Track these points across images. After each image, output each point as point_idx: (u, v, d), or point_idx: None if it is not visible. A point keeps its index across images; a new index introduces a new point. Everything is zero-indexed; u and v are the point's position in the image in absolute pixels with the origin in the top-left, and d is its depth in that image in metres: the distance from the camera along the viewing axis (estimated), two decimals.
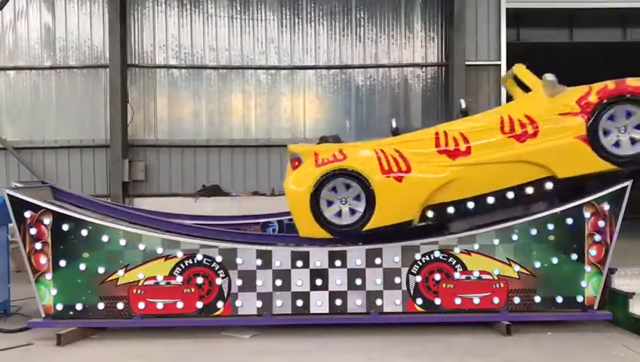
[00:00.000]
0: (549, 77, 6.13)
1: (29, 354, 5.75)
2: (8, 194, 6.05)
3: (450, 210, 6.14)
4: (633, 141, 5.89)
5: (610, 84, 5.99)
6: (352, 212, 6.09)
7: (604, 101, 5.88)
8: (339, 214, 6.10)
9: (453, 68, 11.89)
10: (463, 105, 6.77)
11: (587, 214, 6.15)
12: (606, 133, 5.91)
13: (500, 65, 12.06)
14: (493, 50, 12.14)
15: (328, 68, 12.36)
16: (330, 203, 6.10)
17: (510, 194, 6.11)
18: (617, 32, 12.91)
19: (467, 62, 11.91)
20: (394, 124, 6.80)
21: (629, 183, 6.17)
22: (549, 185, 6.06)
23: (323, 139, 6.90)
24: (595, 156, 5.91)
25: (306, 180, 6.10)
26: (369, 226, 6.06)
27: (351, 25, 12.35)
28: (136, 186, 12.18)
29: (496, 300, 6.15)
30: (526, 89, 6.59)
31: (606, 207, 6.15)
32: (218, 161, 12.32)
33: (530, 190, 6.10)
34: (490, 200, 6.11)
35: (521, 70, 6.65)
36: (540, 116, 6.09)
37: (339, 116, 12.37)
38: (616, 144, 5.90)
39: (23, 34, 12.21)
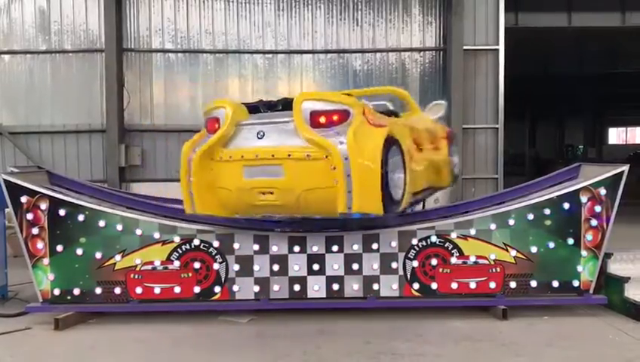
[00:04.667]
0: (444, 103, 7.81)
1: (26, 338, 5.77)
2: (4, 180, 6.04)
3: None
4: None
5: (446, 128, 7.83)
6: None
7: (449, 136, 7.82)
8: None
9: (451, 52, 11.86)
10: (391, 107, 6.83)
11: (584, 199, 6.17)
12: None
13: (498, 49, 12.01)
14: (492, 35, 12.08)
15: (325, 52, 12.29)
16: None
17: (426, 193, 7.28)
18: (616, 16, 12.85)
19: (465, 47, 11.88)
20: (390, 107, 6.80)
21: (625, 168, 6.19)
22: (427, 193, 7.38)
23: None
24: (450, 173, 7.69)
25: (372, 142, 5.00)
26: (404, 203, 5.55)
27: (348, 9, 12.26)
28: (132, 171, 12.15)
29: (492, 285, 6.18)
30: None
31: (603, 191, 6.17)
32: None
33: (427, 193, 7.49)
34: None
35: (404, 94, 7.80)
36: (437, 133, 7.45)
37: None
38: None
39: (17, 17, 12.09)
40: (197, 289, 6.15)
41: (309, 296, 6.20)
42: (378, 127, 5.14)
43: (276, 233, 6.32)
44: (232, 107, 5.48)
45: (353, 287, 6.18)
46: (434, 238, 6.20)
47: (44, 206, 6.05)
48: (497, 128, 12.17)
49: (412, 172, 5.68)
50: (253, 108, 5.68)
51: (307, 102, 5.15)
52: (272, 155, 5.14)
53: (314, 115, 5.08)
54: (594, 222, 6.17)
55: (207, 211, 5.57)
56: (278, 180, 5.15)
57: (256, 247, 6.16)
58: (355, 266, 6.17)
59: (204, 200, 5.51)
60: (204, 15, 12.20)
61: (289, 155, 5.07)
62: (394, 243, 6.18)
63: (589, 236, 6.17)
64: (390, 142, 5.17)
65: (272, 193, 5.24)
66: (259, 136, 5.31)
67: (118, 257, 6.10)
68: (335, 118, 5.07)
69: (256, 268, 6.16)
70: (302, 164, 5.06)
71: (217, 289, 6.17)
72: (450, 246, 6.20)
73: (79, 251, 6.08)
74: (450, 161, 7.60)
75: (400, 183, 5.38)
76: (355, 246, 6.18)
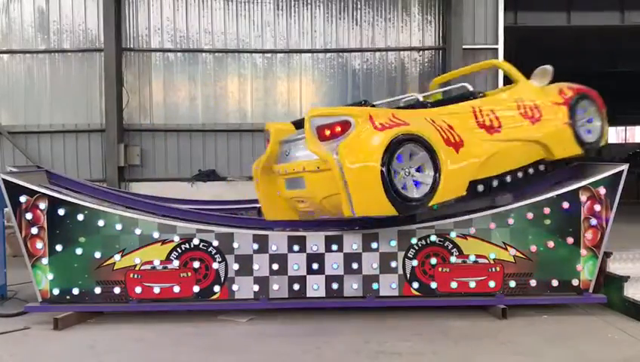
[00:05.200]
0: (550, 68, 6.71)
1: (26, 338, 5.77)
2: (4, 179, 6.03)
3: (495, 183, 6.24)
4: (588, 132, 6.73)
5: (573, 85, 6.89)
6: (417, 184, 5.47)
7: (577, 95, 6.74)
8: (404, 187, 5.36)
9: (451, 51, 11.83)
10: (471, 88, 6.77)
11: (583, 198, 6.18)
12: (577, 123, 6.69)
13: (497, 48, 11.99)
14: (491, 34, 12.07)
15: (325, 51, 12.29)
16: (395, 173, 5.32)
17: (520, 174, 6.50)
18: (615, 15, 12.84)
19: (464, 46, 11.85)
20: (470, 88, 6.71)
21: (624, 167, 6.19)
22: (542, 167, 6.72)
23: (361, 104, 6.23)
24: (575, 141, 6.62)
25: (373, 146, 5.18)
26: (435, 201, 5.52)
27: (348, 8, 12.25)
28: (132, 171, 12.15)
29: (492, 284, 6.18)
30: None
31: (602, 190, 6.17)
32: (214, 146, 12.28)
33: (531, 170, 6.60)
34: (508, 178, 6.37)
35: (505, 65, 7.15)
36: (540, 102, 6.60)
37: (335, 100, 12.29)
38: (588, 132, 6.76)
39: (16, 17, 12.08)
40: (196, 289, 6.15)
41: (308, 296, 6.19)
42: (384, 129, 5.25)
43: (275, 232, 6.32)
44: (274, 129, 6.59)
45: (353, 286, 6.18)
46: (433, 237, 6.20)
47: (43, 205, 6.04)
48: None
49: (458, 162, 5.68)
50: (299, 124, 6.46)
51: (314, 118, 5.47)
52: (294, 170, 5.99)
53: (320, 129, 5.42)
54: (593, 221, 6.17)
55: (272, 217, 6.52)
56: (303, 191, 5.98)
57: (255, 246, 6.16)
58: (355, 265, 6.17)
59: (269, 208, 6.57)
60: (203, 14, 12.19)
61: (304, 169, 5.81)
62: (393, 243, 6.18)
63: (589, 235, 6.17)
64: (401, 142, 5.25)
65: (303, 201, 6.18)
66: (285, 153, 6.26)
67: (117, 257, 6.10)
68: (338, 129, 5.33)
69: (255, 267, 6.15)
70: (315, 175, 5.64)
71: (217, 288, 6.17)
72: (450, 246, 6.20)
73: (78, 251, 6.07)
74: (569, 127, 6.53)
75: (425, 179, 5.47)
76: (355, 246, 6.18)
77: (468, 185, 5.90)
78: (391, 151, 5.20)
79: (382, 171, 5.15)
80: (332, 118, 5.38)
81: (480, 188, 6.12)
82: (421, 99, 6.67)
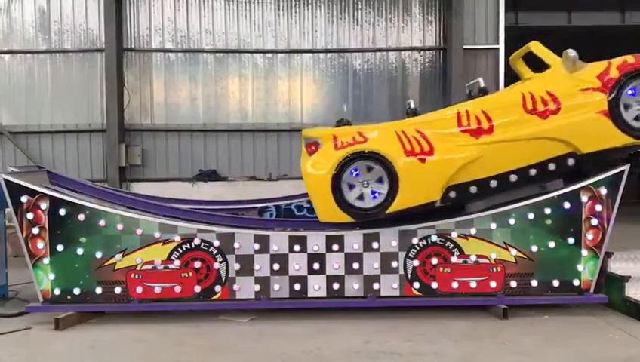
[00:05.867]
0: (571, 52, 6.16)
1: (27, 338, 5.77)
2: (5, 179, 6.03)
3: (473, 189, 6.11)
4: None
5: (630, 59, 6.09)
6: (374, 195, 5.99)
7: (625, 75, 5.97)
8: (361, 197, 5.99)
9: (452, 51, 11.83)
10: (482, 84, 6.60)
11: (584, 198, 6.17)
12: (627, 107, 6.00)
13: (498, 48, 12.00)
14: (492, 34, 12.07)
15: (325, 52, 12.28)
16: (351, 186, 5.99)
17: (533, 172, 6.13)
18: (616, 16, 12.83)
19: (465, 46, 11.85)
20: (412, 105, 6.72)
21: (626, 167, 6.18)
22: (571, 161, 6.13)
23: (341, 122, 6.78)
24: (616, 130, 5.99)
25: (326, 164, 5.97)
26: (392, 209, 5.97)
27: (348, 8, 12.25)
28: (133, 171, 12.15)
29: (493, 284, 6.18)
30: (540, 67, 6.56)
31: (603, 191, 6.16)
32: (215, 146, 12.28)
33: (552, 166, 6.14)
34: (513, 178, 6.12)
35: (538, 47, 6.59)
36: (561, 92, 6.11)
37: (336, 100, 12.32)
38: (637, 118, 6.01)
39: (17, 17, 12.08)
40: (197, 289, 6.15)
41: (309, 296, 6.20)
42: (341, 148, 5.99)
43: (276, 232, 6.32)
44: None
45: (353, 286, 6.18)
46: (434, 237, 6.19)
47: (44, 205, 6.04)
48: None
49: (423, 170, 5.96)
50: None
51: (304, 137, 6.29)
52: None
53: (307, 147, 6.21)
54: (594, 222, 6.17)
55: (325, 219, 6.28)
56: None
57: (256, 246, 6.16)
58: (356, 265, 6.17)
59: (320, 209, 6.28)
60: (204, 14, 12.20)
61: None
62: (394, 243, 6.18)
63: (590, 235, 6.16)
64: (352, 159, 5.96)
65: None
66: None
67: (118, 257, 6.10)
68: (313, 148, 6.16)
69: (256, 267, 6.15)
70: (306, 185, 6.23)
71: (218, 288, 6.17)
72: (451, 246, 6.20)
73: (79, 251, 6.07)
74: (604, 115, 6.02)
75: (382, 190, 5.96)
76: (356, 246, 6.18)
77: (466, 187, 6.07)
78: (341, 167, 5.94)
79: (332, 185, 5.92)
80: (310, 138, 6.19)
81: (472, 189, 6.12)
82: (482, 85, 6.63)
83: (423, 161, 5.97)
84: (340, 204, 5.97)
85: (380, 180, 5.98)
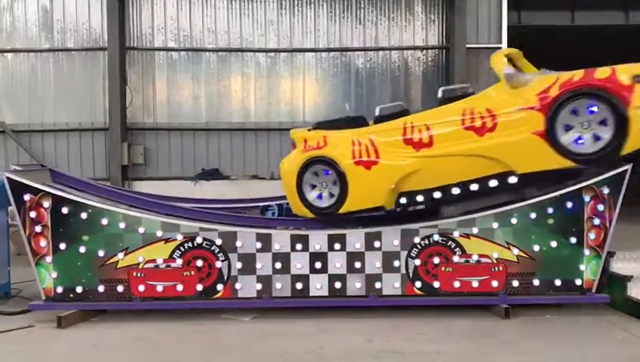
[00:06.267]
0: (505, 71, 5.86)
1: (29, 336, 5.79)
2: (8, 178, 6.05)
3: (420, 198, 6.18)
4: (597, 138, 5.50)
5: (578, 75, 5.58)
6: (331, 196, 6.30)
7: (565, 95, 5.47)
8: (320, 197, 6.34)
9: (454, 51, 11.84)
10: (440, 95, 6.44)
11: (587, 198, 6.15)
12: (569, 128, 5.56)
13: (500, 48, 11.95)
14: (494, 33, 12.06)
15: (328, 50, 12.29)
16: (313, 186, 6.36)
17: (474, 186, 5.98)
18: (619, 15, 12.79)
19: (468, 45, 11.85)
20: (377, 112, 6.75)
21: (628, 167, 6.16)
22: (512, 179, 5.86)
23: (318, 125, 6.84)
24: (553, 152, 5.59)
25: (295, 164, 6.44)
26: (343, 210, 6.24)
27: (351, 7, 12.25)
28: (135, 169, 12.17)
29: (495, 283, 6.17)
30: (539, 66, 6.47)
31: (605, 190, 6.14)
32: (217, 145, 12.30)
33: (494, 183, 5.94)
34: (456, 190, 6.06)
35: (494, 60, 6.17)
36: (500, 110, 5.81)
37: (338, 99, 12.32)
38: (579, 140, 5.54)
39: (20, 16, 12.11)
40: (199, 287, 6.16)
41: (311, 294, 6.20)
42: (306, 151, 6.41)
43: (278, 231, 6.33)
44: None
45: (355, 286, 6.19)
46: (436, 237, 6.19)
47: (47, 204, 6.06)
48: None
49: (369, 178, 6.18)
50: None
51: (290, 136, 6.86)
52: None
53: (291, 145, 6.79)
54: (597, 221, 6.15)
55: (295, 212, 6.69)
56: None
57: (258, 245, 6.17)
58: (358, 264, 6.17)
59: (291, 203, 6.70)
60: (206, 13, 12.21)
61: None
62: (396, 242, 6.18)
63: (592, 235, 6.15)
64: (311, 163, 6.33)
65: None
66: None
67: (120, 255, 6.11)
68: (293, 147, 6.73)
69: (258, 266, 6.16)
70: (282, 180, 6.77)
71: (220, 287, 6.17)
72: (453, 245, 6.19)
73: (82, 249, 6.08)
74: (540, 137, 5.65)
75: (336, 192, 6.26)
76: (358, 245, 6.18)
77: (404, 195, 6.21)
78: (304, 168, 6.33)
79: (296, 183, 6.34)
80: (291, 138, 6.75)
81: (419, 198, 6.19)
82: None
83: (368, 167, 6.16)
84: (303, 201, 6.38)
85: (335, 183, 6.26)
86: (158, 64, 12.24)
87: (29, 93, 12.13)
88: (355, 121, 6.70)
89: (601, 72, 5.52)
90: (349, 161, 6.21)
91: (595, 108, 5.49)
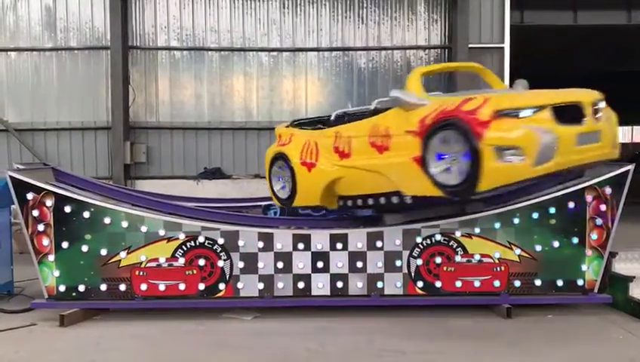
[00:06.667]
0: (394, 93, 5.61)
1: (32, 334, 5.80)
2: (10, 176, 6.06)
3: (349, 203, 6.46)
4: (460, 171, 5.00)
5: (455, 103, 5.15)
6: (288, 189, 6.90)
7: (437, 124, 5.13)
8: (282, 188, 6.99)
9: (457, 50, 11.82)
10: (373, 106, 6.30)
11: (589, 198, 6.16)
12: (442, 157, 5.17)
13: (503, 47, 11.98)
14: (497, 33, 12.06)
15: (330, 50, 12.29)
16: (279, 178, 7.02)
17: (382, 200, 5.98)
18: (622, 15, 12.78)
19: (470, 45, 11.83)
20: (332, 116, 6.78)
21: (630, 167, 6.17)
22: (408, 199, 5.71)
23: (291, 123, 7.38)
24: (426, 180, 5.27)
25: (268, 155, 7.21)
26: (294, 204, 6.85)
27: (353, 6, 12.25)
28: (137, 168, 12.20)
29: (496, 283, 6.17)
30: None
31: (608, 190, 6.15)
32: (220, 144, 12.31)
33: (395, 200, 5.83)
34: (370, 201, 6.16)
35: (410, 77, 6.01)
36: (394, 130, 5.64)
37: (341, 99, 12.30)
38: (448, 170, 5.12)
39: (23, 15, 12.14)
40: (201, 287, 6.17)
41: (312, 294, 6.20)
42: (278, 146, 7.06)
43: (280, 230, 6.34)
44: None
45: (357, 285, 6.19)
46: (438, 236, 6.20)
47: (49, 202, 6.07)
48: None
49: (309, 178, 6.62)
50: None
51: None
52: None
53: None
54: (599, 221, 6.15)
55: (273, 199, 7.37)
56: None
57: (260, 245, 6.17)
58: (360, 264, 6.18)
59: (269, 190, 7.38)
60: (209, 13, 12.22)
61: None
62: (398, 242, 6.18)
63: (594, 235, 6.15)
64: (277, 157, 7.00)
65: None
66: None
67: (123, 254, 6.12)
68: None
69: (260, 265, 6.17)
70: None
71: (222, 286, 6.18)
72: (455, 245, 6.20)
73: (84, 248, 6.10)
74: (416, 163, 5.36)
75: (293, 185, 6.74)
76: (360, 244, 6.18)
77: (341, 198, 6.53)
78: (272, 162, 7.09)
79: (267, 173, 7.15)
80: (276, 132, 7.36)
81: (349, 202, 6.47)
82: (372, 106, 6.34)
83: (309, 169, 6.56)
84: (271, 189, 7.15)
85: (289, 178, 6.83)
86: (161, 63, 12.25)
87: (32, 92, 12.16)
88: (321, 123, 7.01)
89: (473, 103, 5.03)
90: (297, 160, 6.71)
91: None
